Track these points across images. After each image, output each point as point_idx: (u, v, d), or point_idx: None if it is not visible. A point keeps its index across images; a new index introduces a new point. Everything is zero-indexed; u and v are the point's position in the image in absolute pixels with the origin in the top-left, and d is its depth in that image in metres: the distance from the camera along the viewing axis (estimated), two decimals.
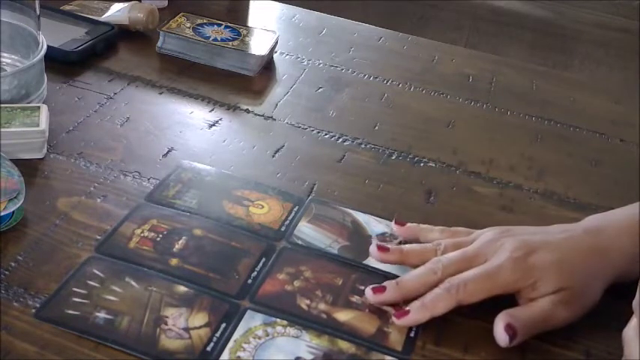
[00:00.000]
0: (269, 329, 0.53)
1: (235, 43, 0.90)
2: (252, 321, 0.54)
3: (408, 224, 0.64)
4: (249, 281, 0.57)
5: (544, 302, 0.57)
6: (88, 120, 0.75)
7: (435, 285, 0.57)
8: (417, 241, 0.63)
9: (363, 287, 0.58)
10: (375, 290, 0.57)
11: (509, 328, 0.55)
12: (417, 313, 0.56)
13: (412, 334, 0.55)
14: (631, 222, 0.61)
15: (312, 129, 0.79)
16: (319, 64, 0.94)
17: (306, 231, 0.64)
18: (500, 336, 0.55)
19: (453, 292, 0.56)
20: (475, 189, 0.74)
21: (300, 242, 0.62)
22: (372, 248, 0.61)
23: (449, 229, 0.64)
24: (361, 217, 0.66)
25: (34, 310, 0.52)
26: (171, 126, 0.76)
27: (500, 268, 0.57)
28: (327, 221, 0.65)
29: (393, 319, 0.56)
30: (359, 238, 0.64)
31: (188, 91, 0.83)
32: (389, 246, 0.61)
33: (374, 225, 0.66)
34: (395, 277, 0.59)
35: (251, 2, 1.10)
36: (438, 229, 0.64)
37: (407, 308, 0.56)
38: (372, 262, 0.61)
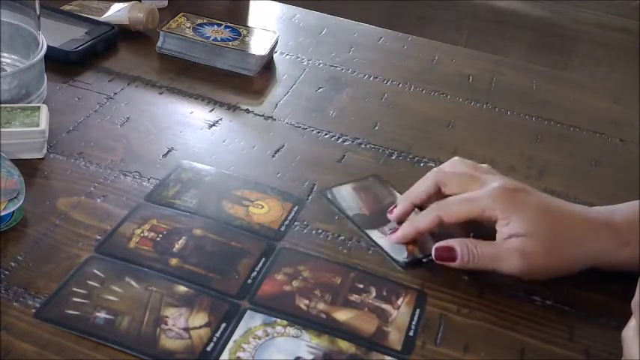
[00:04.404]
0: (269, 329, 0.53)
1: (235, 43, 0.90)
2: (252, 321, 0.54)
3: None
4: (249, 281, 0.57)
5: (505, 243, 0.58)
6: (88, 120, 0.75)
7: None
8: None
9: (361, 286, 0.58)
10: (390, 211, 0.65)
11: (448, 251, 0.59)
12: (405, 228, 0.62)
13: (412, 334, 0.55)
14: (632, 211, 0.61)
15: (312, 129, 0.79)
16: (319, 64, 0.94)
17: (343, 193, 0.68)
18: (435, 251, 0.60)
19: (436, 208, 0.61)
20: None
21: (329, 197, 0.68)
22: (387, 214, 0.66)
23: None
24: None
25: (34, 310, 0.52)
26: (171, 126, 0.76)
27: (485, 193, 0.60)
28: (368, 193, 0.69)
29: (389, 237, 0.63)
30: (381, 213, 0.66)
31: (188, 91, 0.83)
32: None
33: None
34: (393, 259, 0.61)
35: (251, 2, 1.10)
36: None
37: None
38: (374, 234, 0.64)
